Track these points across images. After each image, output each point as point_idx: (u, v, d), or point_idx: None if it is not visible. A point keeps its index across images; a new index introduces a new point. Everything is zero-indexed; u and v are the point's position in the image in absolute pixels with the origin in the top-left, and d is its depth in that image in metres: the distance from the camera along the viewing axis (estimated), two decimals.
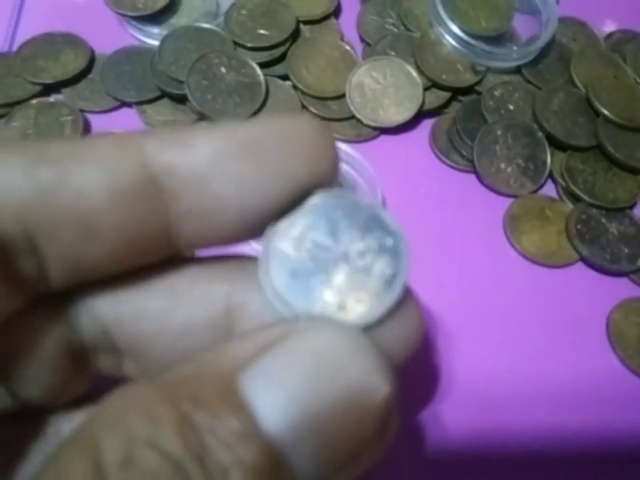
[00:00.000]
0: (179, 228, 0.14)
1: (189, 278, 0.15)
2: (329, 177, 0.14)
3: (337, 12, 0.37)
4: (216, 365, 0.12)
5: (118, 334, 0.14)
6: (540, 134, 0.33)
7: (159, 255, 0.15)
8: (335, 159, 0.14)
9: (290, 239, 0.14)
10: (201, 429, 0.11)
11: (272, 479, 0.11)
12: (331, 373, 0.12)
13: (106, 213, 0.13)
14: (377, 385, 0.12)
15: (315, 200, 0.14)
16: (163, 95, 0.33)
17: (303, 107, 0.33)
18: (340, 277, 0.14)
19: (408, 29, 0.36)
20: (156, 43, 0.34)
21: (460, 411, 0.26)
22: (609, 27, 0.39)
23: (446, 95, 0.34)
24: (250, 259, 0.16)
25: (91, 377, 0.15)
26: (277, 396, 0.11)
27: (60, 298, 0.15)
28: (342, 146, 0.31)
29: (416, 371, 0.27)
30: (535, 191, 0.32)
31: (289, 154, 0.14)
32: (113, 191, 0.13)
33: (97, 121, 0.33)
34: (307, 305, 0.14)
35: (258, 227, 0.14)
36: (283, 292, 0.14)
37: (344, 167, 0.31)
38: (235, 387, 0.11)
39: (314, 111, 0.33)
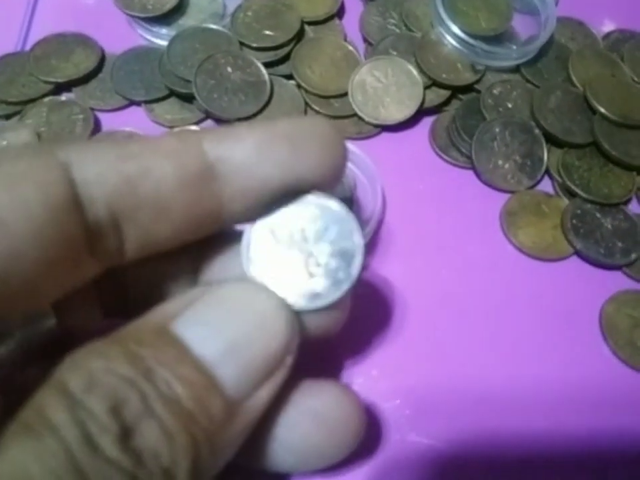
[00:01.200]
0: (229, 207, 0.17)
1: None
2: (342, 165, 0.18)
3: (340, 13, 0.38)
4: (152, 319, 0.16)
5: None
6: (537, 131, 0.33)
7: (211, 230, 0.18)
8: (345, 150, 0.18)
9: (273, 224, 0.18)
10: (145, 357, 0.14)
11: (206, 391, 0.15)
12: (242, 311, 0.16)
13: (175, 197, 0.16)
14: (278, 319, 0.16)
15: (311, 197, 0.18)
16: (171, 94, 0.34)
17: (307, 105, 0.34)
18: (298, 264, 0.18)
19: (409, 30, 0.37)
20: (164, 43, 0.35)
21: (456, 402, 0.27)
22: (608, 26, 0.40)
23: (446, 93, 0.35)
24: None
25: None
26: (203, 330, 0.16)
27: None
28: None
29: (410, 363, 0.27)
30: (532, 187, 0.33)
31: (316, 145, 0.18)
32: (181, 179, 0.16)
33: (106, 119, 0.34)
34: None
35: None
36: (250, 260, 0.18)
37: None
38: (169, 329, 0.15)
39: (317, 109, 0.34)
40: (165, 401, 0.14)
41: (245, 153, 0.17)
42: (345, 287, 0.18)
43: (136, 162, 0.16)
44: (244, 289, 0.17)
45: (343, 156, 0.18)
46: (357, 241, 0.18)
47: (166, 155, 0.16)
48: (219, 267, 0.20)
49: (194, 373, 0.15)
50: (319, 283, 0.18)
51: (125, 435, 0.13)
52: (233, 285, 0.17)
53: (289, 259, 0.18)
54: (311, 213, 0.18)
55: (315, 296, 0.18)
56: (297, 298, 0.18)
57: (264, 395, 0.16)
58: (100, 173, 0.15)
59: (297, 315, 0.17)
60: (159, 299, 0.18)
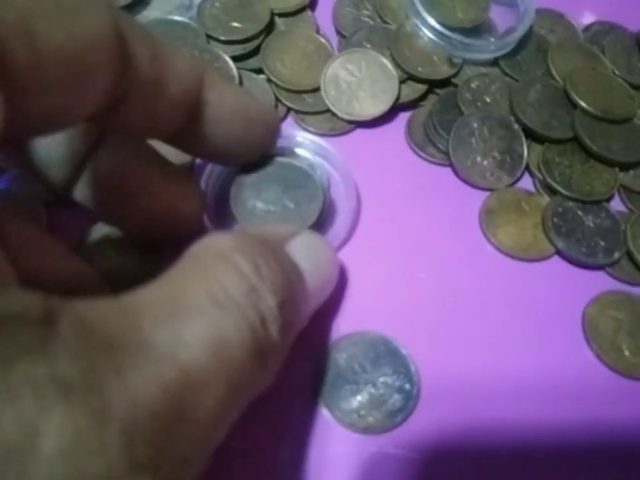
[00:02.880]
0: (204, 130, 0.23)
1: None
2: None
3: (312, 4, 0.37)
4: (274, 234, 0.21)
5: None
6: (516, 126, 0.32)
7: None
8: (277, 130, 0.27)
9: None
10: (293, 267, 0.20)
11: (302, 287, 0.20)
12: (323, 252, 0.23)
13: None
14: (337, 271, 0.24)
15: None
16: None
17: (277, 100, 0.33)
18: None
19: (384, 21, 0.36)
20: None
21: (434, 404, 0.25)
22: (588, 18, 0.39)
23: (422, 87, 0.34)
24: None
25: None
26: (308, 260, 0.21)
27: None
28: (316, 139, 0.30)
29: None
30: (512, 184, 0.32)
31: (263, 127, 0.25)
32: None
33: None
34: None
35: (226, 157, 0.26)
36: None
37: (318, 159, 0.30)
38: (286, 246, 0.21)
39: (288, 104, 0.33)
40: (269, 286, 0.17)
41: (222, 109, 0.23)
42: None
43: None
44: (326, 243, 0.23)
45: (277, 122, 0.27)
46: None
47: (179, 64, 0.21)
48: None
49: (299, 277, 0.20)
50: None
51: (285, 327, 0.17)
52: (311, 235, 0.23)
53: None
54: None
55: None
56: None
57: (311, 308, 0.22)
58: None
59: None
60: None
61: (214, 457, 0.16)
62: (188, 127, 0.22)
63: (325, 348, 0.26)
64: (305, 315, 0.21)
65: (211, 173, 0.29)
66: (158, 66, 0.19)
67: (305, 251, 0.21)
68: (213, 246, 0.17)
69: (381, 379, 0.25)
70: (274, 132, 0.26)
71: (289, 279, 0.18)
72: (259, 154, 0.26)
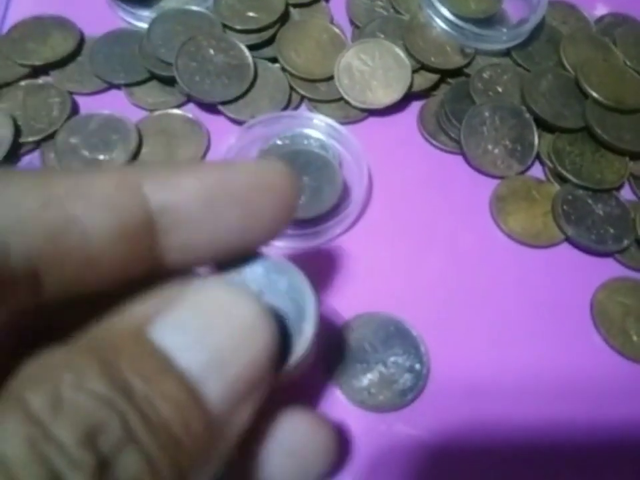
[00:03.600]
0: (165, 255, 0.16)
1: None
2: (291, 216, 0.17)
3: None
4: (126, 322, 0.14)
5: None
6: (527, 115, 0.33)
7: (142, 274, 0.16)
8: (296, 202, 0.17)
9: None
10: (122, 369, 0.12)
11: (190, 408, 0.13)
12: (225, 318, 0.14)
13: (107, 249, 0.14)
14: (262, 329, 0.14)
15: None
16: (152, 77, 0.33)
17: (292, 89, 0.33)
18: None
19: (397, 12, 0.36)
20: (145, 25, 0.34)
21: (443, 384, 0.26)
22: (600, 10, 0.39)
23: (434, 77, 0.34)
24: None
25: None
26: (184, 338, 0.13)
27: None
28: (328, 120, 0.31)
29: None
30: (522, 173, 0.32)
31: (267, 200, 0.16)
32: (116, 232, 0.14)
33: (85, 103, 0.33)
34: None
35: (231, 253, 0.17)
36: None
37: (330, 141, 0.31)
38: (147, 335, 0.13)
39: (302, 92, 0.33)
40: (147, 424, 0.12)
41: (190, 207, 0.15)
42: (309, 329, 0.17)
43: (61, 210, 0.14)
44: (226, 291, 0.15)
45: (294, 207, 0.17)
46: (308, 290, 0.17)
47: (100, 200, 0.14)
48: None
49: (178, 388, 0.13)
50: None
51: (102, 468, 0.11)
52: (214, 286, 0.15)
53: None
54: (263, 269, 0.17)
55: None
56: None
57: (248, 409, 0.15)
58: (19, 220, 0.13)
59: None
60: None
61: None
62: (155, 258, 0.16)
63: (337, 327, 0.26)
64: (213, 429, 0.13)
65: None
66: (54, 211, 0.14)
67: (185, 331, 0.14)
68: (13, 379, 0.12)
69: (392, 359, 0.25)
70: (285, 190, 0.17)
71: (132, 395, 0.12)
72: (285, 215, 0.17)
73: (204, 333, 0.14)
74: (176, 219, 0.15)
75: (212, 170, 0.16)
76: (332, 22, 0.36)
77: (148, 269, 0.16)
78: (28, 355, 0.13)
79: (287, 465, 0.18)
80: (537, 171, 0.32)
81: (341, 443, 0.21)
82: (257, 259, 0.17)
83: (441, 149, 0.33)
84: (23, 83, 0.33)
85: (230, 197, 0.16)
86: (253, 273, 0.17)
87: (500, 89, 0.34)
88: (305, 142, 0.31)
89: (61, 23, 0.35)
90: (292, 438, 0.18)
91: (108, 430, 0.11)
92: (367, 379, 0.25)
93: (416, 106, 0.34)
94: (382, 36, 0.35)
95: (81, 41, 0.34)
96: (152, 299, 0.15)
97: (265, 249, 0.18)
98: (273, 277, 0.17)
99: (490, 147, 0.32)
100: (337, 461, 0.22)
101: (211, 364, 0.13)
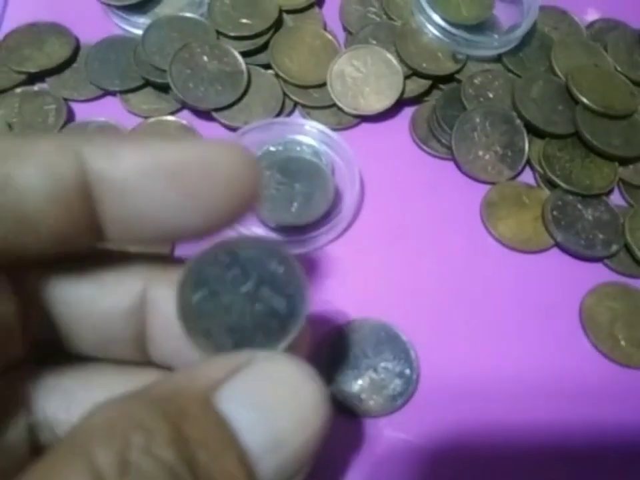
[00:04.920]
0: (104, 227, 0.15)
1: (115, 272, 0.17)
2: (249, 207, 0.16)
3: (320, 1, 0.37)
4: (194, 384, 0.14)
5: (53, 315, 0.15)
6: (518, 121, 0.33)
7: (86, 245, 0.16)
8: (258, 189, 0.15)
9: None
10: (190, 440, 0.12)
11: None
12: (291, 398, 0.14)
13: (43, 212, 0.14)
14: (322, 413, 0.14)
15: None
16: (147, 83, 0.34)
17: (285, 95, 0.34)
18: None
19: (390, 18, 0.36)
20: (140, 32, 0.35)
21: (433, 389, 0.26)
22: (592, 15, 0.39)
23: (426, 83, 0.34)
24: (168, 259, 0.18)
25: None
26: (251, 416, 0.13)
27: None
28: (320, 127, 0.31)
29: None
30: (513, 178, 0.32)
31: (212, 184, 0.15)
32: (52, 193, 0.14)
33: (81, 110, 0.33)
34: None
35: (176, 237, 0.16)
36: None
37: (323, 147, 0.31)
38: (214, 403, 0.13)
39: (296, 99, 0.34)
40: None
41: (122, 177, 0.15)
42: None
43: None
44: (296, 368, 0.14)
45: (252, 195, 0.15)
46: (301, 282, 0.16)
47: (38, 162, 0.14)
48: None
49: (238, 467, 0.13)
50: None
51: None
52: (284, 360, 0.15)
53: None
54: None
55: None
56: None
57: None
58: None
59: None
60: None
61: None
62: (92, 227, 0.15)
63: (327, 333, 0.27)
64: None
65: None
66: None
67: (252, 405, 0.14)
68: (80, 427, 0.12)
69: (382, 364, 0.26)
70: (243, 180, 0.15)
71: (197, 461, 0.12)
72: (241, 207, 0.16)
73: (270, 411, 0.14)
74: (112, 188, 0.15)
75: (156, 145, 0.15)
76: (325, 28, 0.36)
77: (89, 239, 0.16)
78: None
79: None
80: (527, 177, 0.33)
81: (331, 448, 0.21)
82: (250, 241, 0.16)
83: (432, 155, 0.33)
84: (18, 89, 0.33)
85: (168, 174, 0.15)
86: (246, 253, 0.16)
87: (491, 95, 0.34)
88: (298, 148, 0.31)
89: (57, 30, 0.35)
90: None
91: None
92: (358, 384, 0.25)
93: (408, 112, 0.34)
94: (374, 42, 0.35)
95: (77, 48, 0.35)
96: (220, 362, 0.15)
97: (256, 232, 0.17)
98: (266, 260, 0.16)
99: (481, 152, 0.32)
100: (328, 466, 0.22)
101: (273, 443, 0.13)
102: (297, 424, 0.14)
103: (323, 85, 0.34)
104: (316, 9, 0.37)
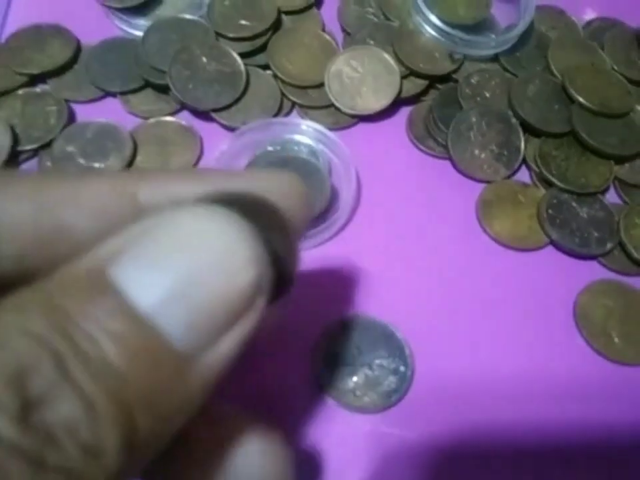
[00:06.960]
0: None
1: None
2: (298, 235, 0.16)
3: (318, 2, 0.38)
4: (87, 261, 0.12)
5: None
6: (514, 120, 0.33)
7: None
8: (308, 217, 0.17)
9: None
10: (67, 310, 0.11)
11: (145, 346, 0.12)
12: (193, 243, 0.12)
13: None
14: (243, 249, 0.12)
15: None
16: (147, 85, 0.34)
17: (283, 95, 0.34)
18: None
19: (388, 19, 0.37)
20: (141, 34, 0.35)
21: (427, 386, 0.27)
22: (590, 15, 0.39)
23: (423, 83, 0.35)
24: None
25: None
26: (145, 272, 0.12)
27: None
28: (317, 126, 0.32)
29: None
30: (509, 177, 0.33)
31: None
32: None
33: (82, 111, 0.34)
34: None
35: None
36: None
37: (320, 146, 0.31)
38: (105, 276, 0.12)
39: (294, 99, 0.34)
40: (85, 362, 0.11)
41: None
42: None
43: (53, 216, 0.14)
44: (198, 213, 0.12)
45: (308, 216, 0.16)
46: None
47: (90, 208, 0.14)
48: None
49: (128, 324, 0.11)
50: None
51: (27, 409, 0.10)
52: (184, 211, 0.13)
53: None
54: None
55: None
56: None
57: (227, 346, 0.13)
58: (11, 225, 0.14)
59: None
60: None
61: None
62: None
63: (323, 331, 0.27)
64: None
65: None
66: None
67: (149, 265, 0.12)
68: None
69: (377, 361, 0.26)
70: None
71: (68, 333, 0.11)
72: None
73: (165, 262, 0.12)
74: None
75: (208, 178, 0.15)
76: (323, 29, 0.37)
77: None
78: None
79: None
80: (523, 176, 0.33)
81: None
82: None
83: (429, 154, 0.33)
84: (20, 91, 0.34)
85: None
86: None
87: (488, 94, 0.34)
88: (296, 148, 0.32)
89: (58, 32, 0.35)
90: (248, 467, 0.16)
91: (39, 370, 0.11)
92: (353, 381, 0.26)
93: (405, 112, 0.35)
94: (372, 42, 0.35)
95: (78, 50, 0.35)
96: (124, 232, 0.13)
97: None
98: None
99: (477, 151, 0.32)
100: (323, 461, 0.23)
101: (173, 295, 0.12)
102: (206, 264, 0.12)
103: (321, 85, 0.34)
104: (314, 10, 0.37)
